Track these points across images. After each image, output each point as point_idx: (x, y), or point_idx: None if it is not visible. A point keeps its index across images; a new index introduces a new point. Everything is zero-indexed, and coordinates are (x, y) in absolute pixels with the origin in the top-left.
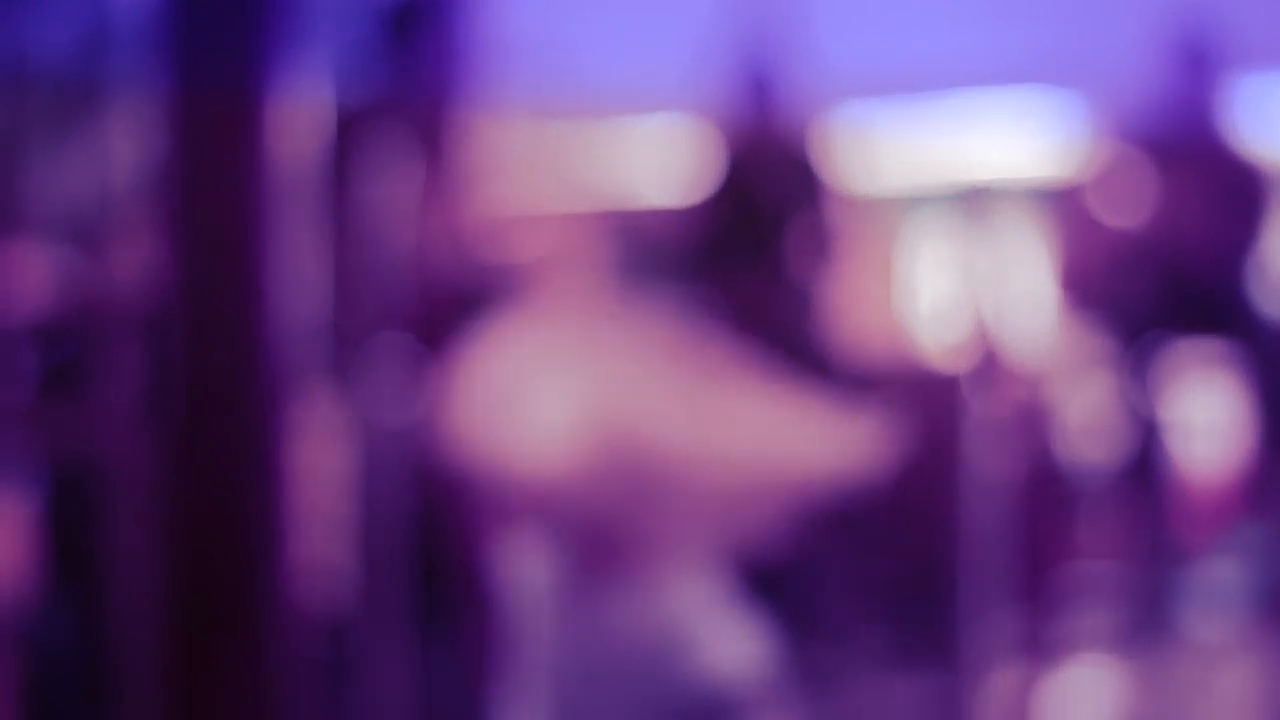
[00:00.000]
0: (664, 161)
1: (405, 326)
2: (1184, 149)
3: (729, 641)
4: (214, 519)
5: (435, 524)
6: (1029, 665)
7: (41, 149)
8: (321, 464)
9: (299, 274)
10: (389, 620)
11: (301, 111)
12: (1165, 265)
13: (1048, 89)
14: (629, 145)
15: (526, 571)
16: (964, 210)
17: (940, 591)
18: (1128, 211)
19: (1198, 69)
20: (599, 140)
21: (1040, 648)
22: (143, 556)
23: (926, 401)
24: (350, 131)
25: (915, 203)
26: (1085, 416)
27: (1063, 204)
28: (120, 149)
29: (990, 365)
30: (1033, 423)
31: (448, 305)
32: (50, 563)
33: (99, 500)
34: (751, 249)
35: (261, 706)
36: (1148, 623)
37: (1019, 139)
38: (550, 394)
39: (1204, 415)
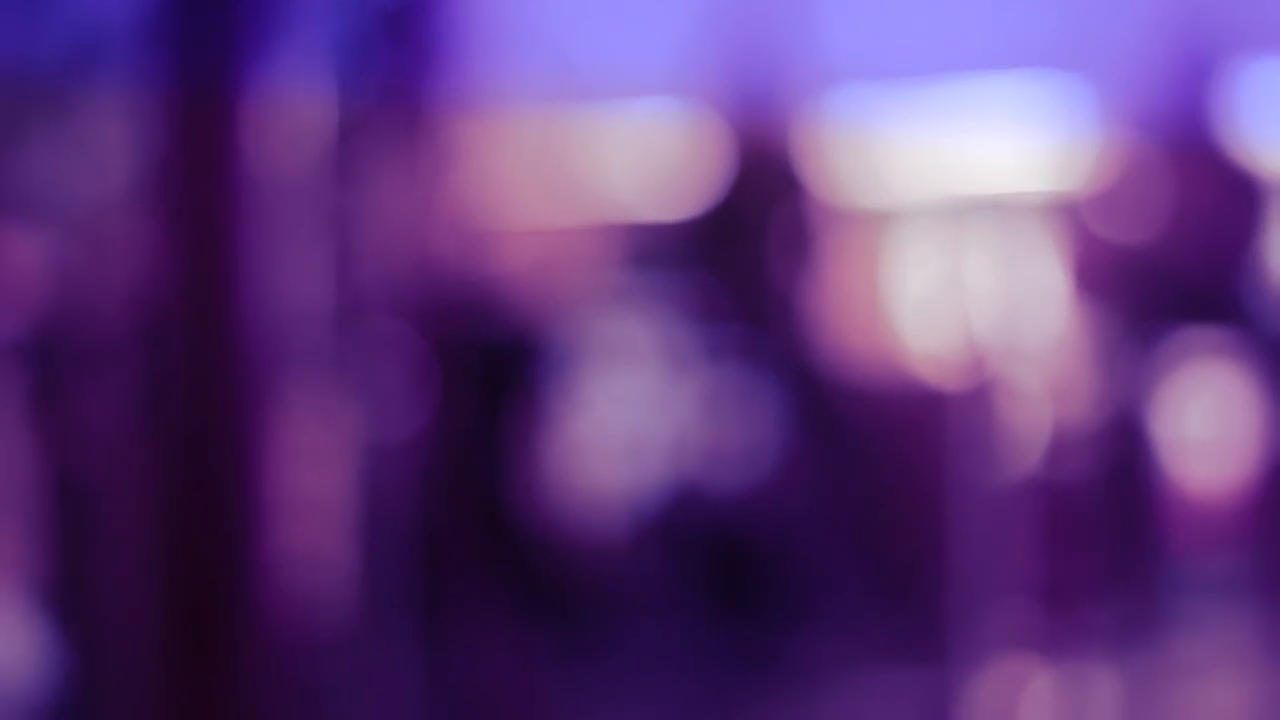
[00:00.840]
0: (655, 153)
1: (402, 328)
2: (1184, 146)
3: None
4: (209, 522)
5: (439, 523)
6: (1022, 660)
7: (32, 149)
8: (319, 467)
9: (293, 275)
10: (393, 621)
11: (294, 111)
12: (1170, 273)
13: (1048, 89)
14: (619, 135)
15: None
16: (958, 220)
17: (933, 585)
18: (1132, 221)
19: (1197, 62)
20: (589, 132)
21: (1034, 643)
22: (138, 565)
23: (916, 412)
24: (344, 131)
25: (908, 212)
26: (1082, 426)
27: (1064, 215)
28: (110, 149)
29: (983, 376)
30: (1025, 432)
31: (445, 308)
32: (45, 574)
33: (92, 509)
34: (732, 250)
35: (258, 714)
36: (1142, 620)
37: (1018, 146)
38: None
39: (1208, 425)
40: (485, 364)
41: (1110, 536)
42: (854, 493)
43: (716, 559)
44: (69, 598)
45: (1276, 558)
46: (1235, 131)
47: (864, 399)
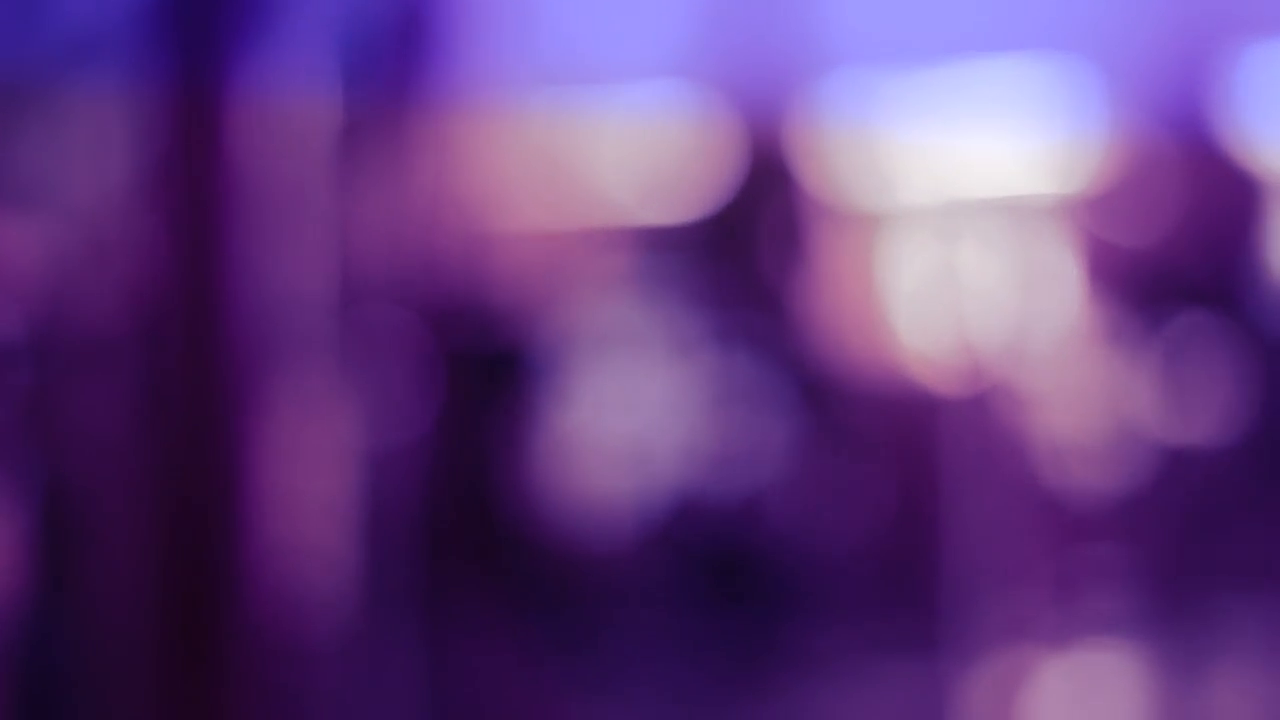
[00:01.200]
0: (653, 150)
1: (402, 328)
2: (1185, 143)
3: None
4: (207, 521)
5: (440, 522)
6: (1022, 651)
7: (28, 147)
8: (318, 466)
9: (290, 273)
10: (393, 619)
11: (291, 109)
12: (1171, 272)
13: (1051, 86)
14: (618, 132)
15: None
16: (959, 221)
17: (935, 577)
18: (1134, 221)
19: (1197, 56)
20: (587, 129)
21: (1034, 634)
22: (135, 564)
23: (916, 411)
24: (341, 129)
25: (909, 212)
26: (1084, 425)
27: (1067, 215)
28: (107, 147)
29: (982, 374)
30: (1026, 430)
31: (446, 307)
32: (41, 574)
33: (87, 508)
34: (730, 249)
35: (256, 715)
36: (1144, 611)
37: (1020, 146)
38: None
39: (1206, 419)
40: (486, 363)
41: (1112, 527)
42: (855, 487)
43: (717, 552)
44: (63, 598)
45: (1276, 546)
46: (1236, 126)
47: (864, 397)
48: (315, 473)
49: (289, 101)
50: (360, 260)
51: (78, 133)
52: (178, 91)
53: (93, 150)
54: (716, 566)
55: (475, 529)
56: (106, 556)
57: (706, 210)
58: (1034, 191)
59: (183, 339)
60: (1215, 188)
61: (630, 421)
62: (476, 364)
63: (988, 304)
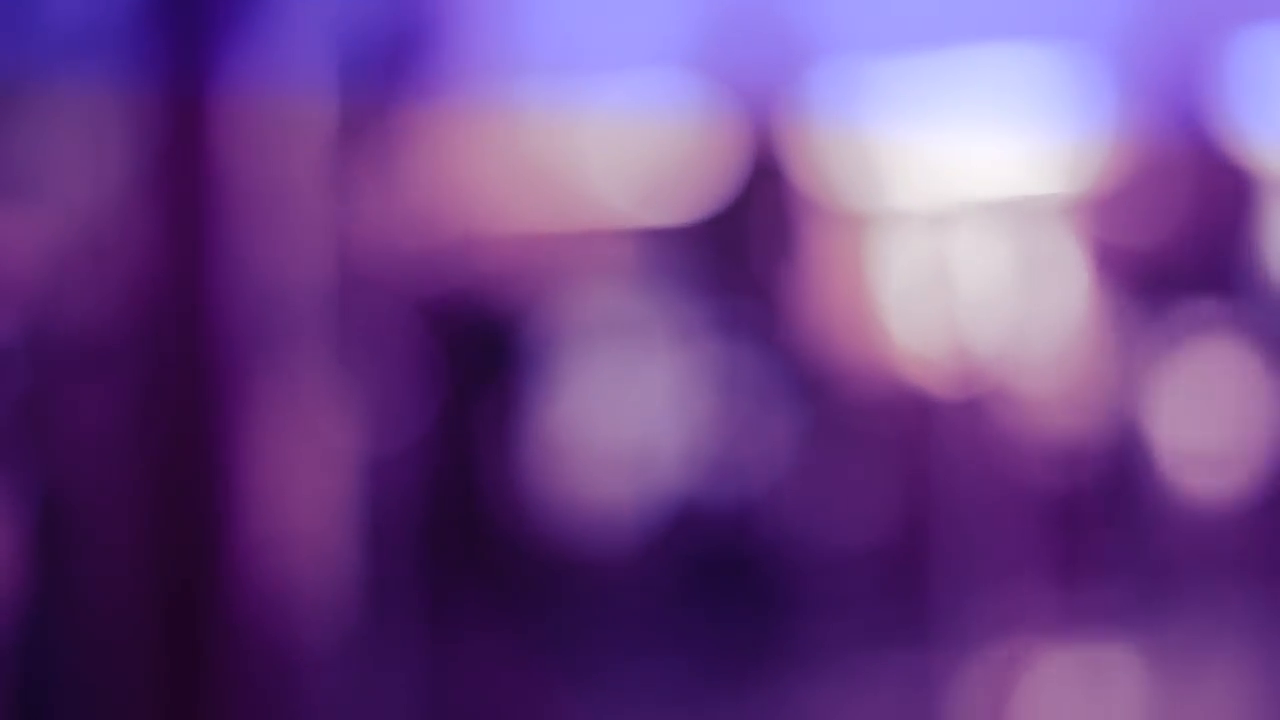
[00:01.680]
0: (646, 152)
1: (398, 329)
2: (1184, 143)
3: None
4: (197, 524)
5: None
6: (1016, 645)
7: (19, 146)
8: (313, 469)
9: (283, 274)
10: (392, 613)
11: (283, 108)
12: (1172, 273)
13: (1052, 86)
14: (611, 135)
15: None
16: (955, 223)
17: (927, 569)
18: (1134, 223)
19: (1194, 52)
20: (580, 132)
21: (1028, 627)
22: (128, 569)
23: (908, 416)
24: (335, 129)
25: (908, 215)
26: (1082, 432)
27: (1067, 217)
28: (99, 147)
29: (979, 374)
30: (1024, 430)
31: (441, 308)
32: (36, 576)
33: (82, 511)
34: (726, 253)
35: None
36: (1142, 604)
37: (1021, 148)
38: None
39: (1210, 422)
40: (482, 360)
41: (1108, 522)
42: (849, 482)
43: (710, 548)
44: (58, 600)
45: (1274, 542)
46: (1236, 124)
47: (859, 395)
48: (311, 472)
49: (284, 98)
50: (356, 259)
51: (71, 131)
52: (171, 89)
53: (86, 149)
54: (710, 562)
55: (472, 528)
56: (102, 558)
57: (701, 207)
58: (1031, 191)
59: (177, 338)
60: (1216, 187)
61: (626, 419)
62: (473, 362)
63: (984, 305)
